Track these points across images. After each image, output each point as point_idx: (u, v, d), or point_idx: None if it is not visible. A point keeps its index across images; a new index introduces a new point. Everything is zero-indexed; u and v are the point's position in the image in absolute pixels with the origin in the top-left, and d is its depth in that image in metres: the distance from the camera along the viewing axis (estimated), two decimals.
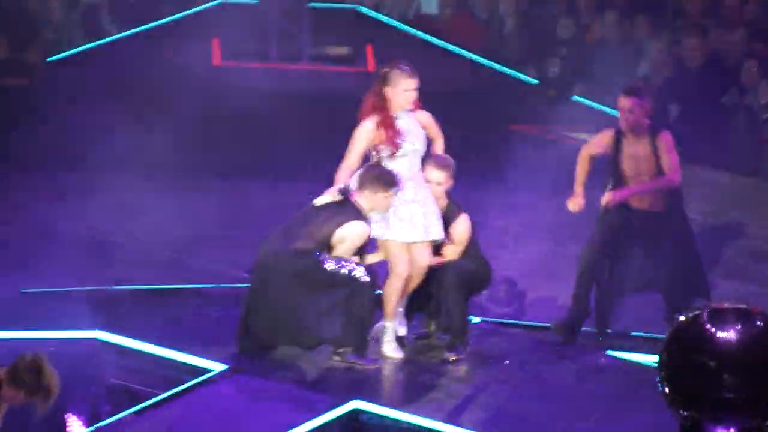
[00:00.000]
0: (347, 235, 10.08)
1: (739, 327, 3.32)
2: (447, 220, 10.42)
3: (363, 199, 10.13)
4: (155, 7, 18.27)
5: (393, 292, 10.26)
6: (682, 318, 3.43)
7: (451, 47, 17.25)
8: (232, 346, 10.47)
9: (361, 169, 10.24)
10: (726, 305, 3.40)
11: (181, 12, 17.90)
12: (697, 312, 3.40)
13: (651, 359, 10.16)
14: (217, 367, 10.27)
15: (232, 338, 10.49)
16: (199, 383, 10.16)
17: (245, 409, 10.00)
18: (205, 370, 10.25)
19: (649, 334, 11.22)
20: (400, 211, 10.15)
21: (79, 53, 17.24)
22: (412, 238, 10.18)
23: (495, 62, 17.00)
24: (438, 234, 10.28)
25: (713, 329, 3.33)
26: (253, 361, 10.42)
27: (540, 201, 13.66)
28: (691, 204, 11.97)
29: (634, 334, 11.35)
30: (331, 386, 10.18)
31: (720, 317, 3.35)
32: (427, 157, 10.40)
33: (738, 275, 13.02)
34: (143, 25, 17.74)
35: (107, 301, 11.58)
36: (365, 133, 10.18)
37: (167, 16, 17.97)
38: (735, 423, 3.27)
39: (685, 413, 3.29)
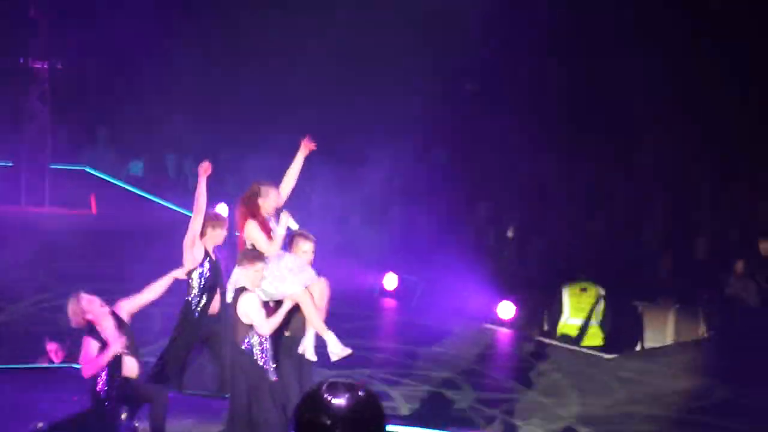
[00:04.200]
0: (245, 310, 8.88)
1: (348, 395, 3.30)
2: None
3: (243, 278, 8.97)
4: None
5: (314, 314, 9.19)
6: (310, 388, 3.39)
7: (149, 196, 17.15)
8: None
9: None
10: (339, 381, 3.39)
11: None
12: (317, 384, 3.36)
13: None
14: None
15: None
16: None
17: None
18: None
19: None
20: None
21: None
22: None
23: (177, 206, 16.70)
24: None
25: (329, 397, 3.30)
26: None
27: None
28: None
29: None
30: None
31: (334, 389, 3.33)
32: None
33: None
34: None
35: None
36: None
37: None
38: None
39: None
